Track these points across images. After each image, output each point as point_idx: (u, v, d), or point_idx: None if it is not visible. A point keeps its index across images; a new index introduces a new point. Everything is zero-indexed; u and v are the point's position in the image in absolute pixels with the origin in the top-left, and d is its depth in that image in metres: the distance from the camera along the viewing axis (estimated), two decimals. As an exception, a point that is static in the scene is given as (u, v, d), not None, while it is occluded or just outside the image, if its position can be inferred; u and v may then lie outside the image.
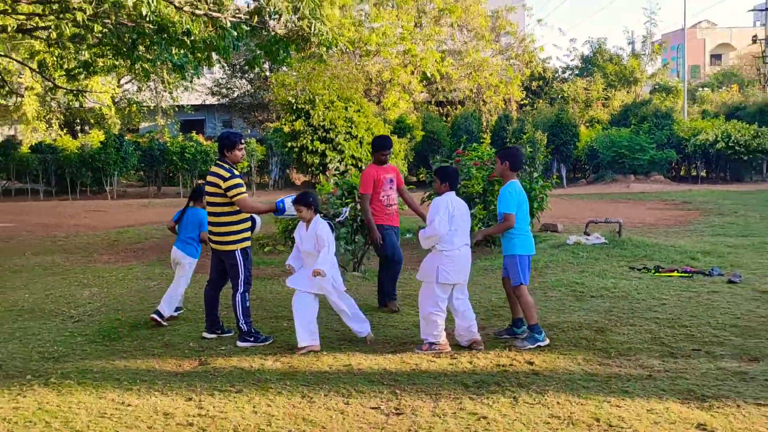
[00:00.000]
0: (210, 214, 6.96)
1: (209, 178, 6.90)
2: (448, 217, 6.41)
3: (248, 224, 6.99)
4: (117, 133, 29.16)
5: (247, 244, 6.95)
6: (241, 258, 6.85)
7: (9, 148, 27.35)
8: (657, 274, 9.67)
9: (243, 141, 7.09)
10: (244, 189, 6.82)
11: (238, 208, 6.80)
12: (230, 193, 6.71)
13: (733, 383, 5.44)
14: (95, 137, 29.34)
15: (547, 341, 6.52)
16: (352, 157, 16.86)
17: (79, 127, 35.45)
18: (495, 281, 9.39)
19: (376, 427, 4.77)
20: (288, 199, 6.90)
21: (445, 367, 5.99)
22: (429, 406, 5.11)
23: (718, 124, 29.74)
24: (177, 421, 4.91)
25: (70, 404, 5.26)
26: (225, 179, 6.73)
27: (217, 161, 6.99)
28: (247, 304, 6.88)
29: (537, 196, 12.28)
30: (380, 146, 8.18)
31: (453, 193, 6.66)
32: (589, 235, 12.40)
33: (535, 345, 6.45)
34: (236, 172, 6.85)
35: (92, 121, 33.21)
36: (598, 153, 29.41)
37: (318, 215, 6.78)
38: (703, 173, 30.88)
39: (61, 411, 5.13)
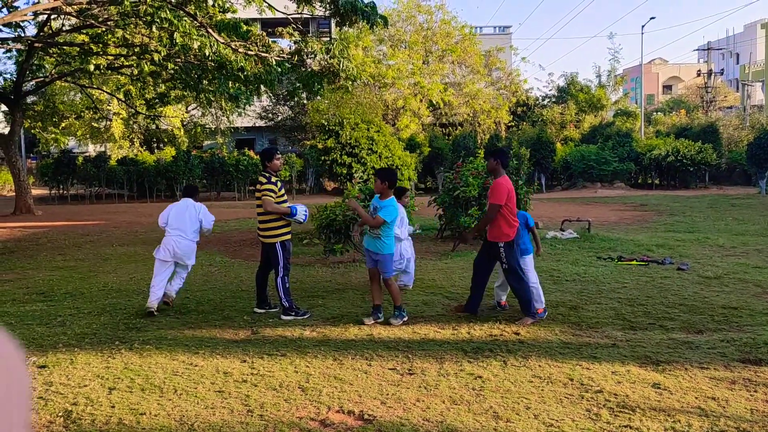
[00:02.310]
0: (258, 213, 7.00)
1: (257, 186, 6.99)
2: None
3: (288, 221, 6.99)
4: (185, 149, 29.32)
5: (286, 237, 6.92)
6: (279, 249, 6.86)
7: (101, 161, 27.58)
8: (619, 262, 9.60)
9: (278, 152, 7.08)
10: (272, 194, 6.76)
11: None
12: (261, 194, 6.78)
13: (681, 351, 5.39)
14: (168, 153, 29.52)
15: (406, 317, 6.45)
16: (373, 168, 16.84)
17: (155, 145, 35.66)
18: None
19: (393, 384, 4.77)
20: (300, 207, 6.91)
21: (448, 337, 5.98)
22: (435, 367, 5.11)
23: (669, 141, 29.42)
24: (234, 378, 4.94)
25: (150, 365, 5.30)
26: (262, 184, 6.83)
27: (261, 172, 7.03)
28: (287, 286, 6.88)
29: (522, 200, 12.21)
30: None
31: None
32: (564, 231, 12.33)
33: (402, 320, 6.39)
34: (274, 179, 6.85)
35: (165, 139, 33.41)
36: (571, 165, 29.21)
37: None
38: (656, 181, 30.56)
39: (143, 370, 5.17)
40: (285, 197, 6.95)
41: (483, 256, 6.66)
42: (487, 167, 6.73)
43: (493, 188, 6.42)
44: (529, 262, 6.66)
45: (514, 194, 6.44)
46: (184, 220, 7.31)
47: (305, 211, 6.94)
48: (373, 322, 6.44)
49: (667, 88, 66.26)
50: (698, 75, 47.54)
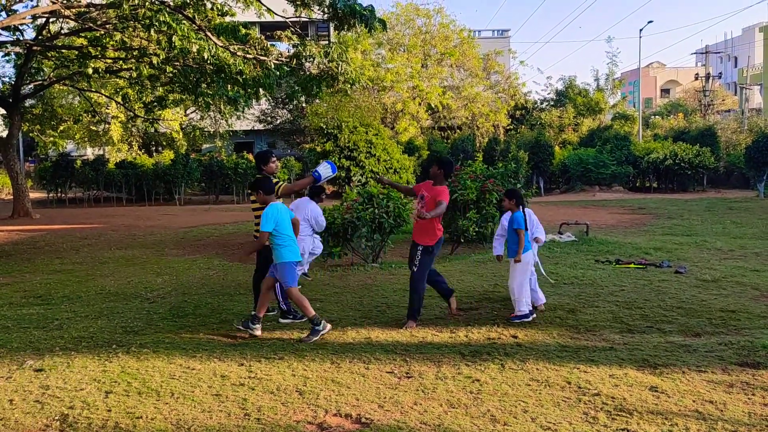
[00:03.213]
0: (256, 217, 6.93)
1: (251, 188, 6.92)
2: None
3: None
4: (184, 152, 29.33)
5: None
6: None
7: (99, 164, 27.57)
8: (617, 265, 9.60)
9: (273, 155, 7.03)
10: (281, 183, 6.72)
11: None
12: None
13: (679, 354, 5.39)
14: (167, 156, 29.53)
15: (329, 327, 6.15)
16: (372, 171, 16.86)
17: (154, 148, 35.67)
18: (486, 271, 9.37)
19: (391, 387, 4.77)
20: (320, 167, 6.59)
21: (446, 340, 5.97)
22: (433, 370, 5.10)
23: (666, 145, 29.48)
24: (231, 382, 4.93)
25: (147, 368, 5.29)
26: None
27: (256, 175, 6.91)
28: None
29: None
30: None
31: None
32: (562, 234, 12.34)
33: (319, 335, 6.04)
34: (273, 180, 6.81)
35: (164, 143, 33.44)
36: (569, 168, 29.25)
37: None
38: (654, 184, 30.62)
39: (140, 373, 5.16)
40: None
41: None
42: (430, 172, 6.66)
43: (442, 191, 6.40)
44: (529, 263, 6.68)
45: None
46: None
47: (327, 165, 6.61)
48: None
49: (665, 91, 66.42)
50: (696, 78, 47.72)
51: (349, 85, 12.80)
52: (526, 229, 6.70)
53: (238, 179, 27.86)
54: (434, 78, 32.66)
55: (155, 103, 18.34)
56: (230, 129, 33.48)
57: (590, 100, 37.65)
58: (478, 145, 32.00)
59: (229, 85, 12.65)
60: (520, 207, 6.75)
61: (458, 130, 34.26)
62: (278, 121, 36.58)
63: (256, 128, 38.10)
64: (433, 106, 32.21)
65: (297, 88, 13.48)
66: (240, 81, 12.21)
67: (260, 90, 13.29)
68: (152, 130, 30.63)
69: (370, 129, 16.96)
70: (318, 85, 12.64)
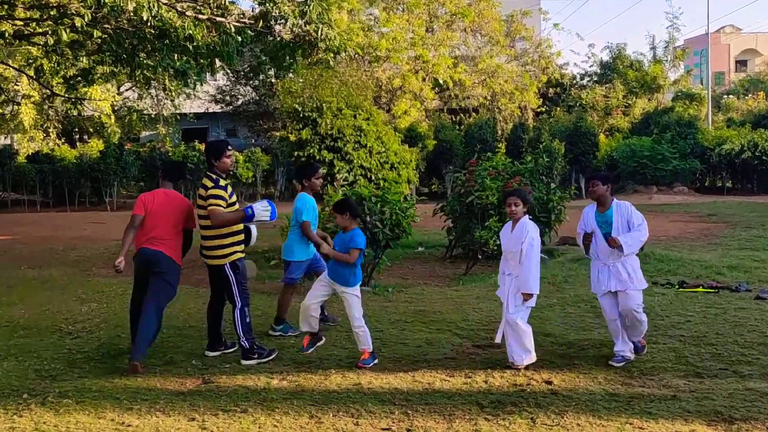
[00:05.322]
0: (201, 227, 6.94)
1: (199, 192, 6.92)
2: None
3: (240, 237, 6.95)
4: (116, 142, 29.29)
5: (238, 256, 6.89)
6: (230, 272, 6.83)
7: (5, 157, 27.47)
8: (681, 289, 9.62)
9: (230, 148, 7.04)
10: (220, 201, 6.71)
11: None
12: (207, 202, 6.70)
13: (762, 404, 5.40)
14: (94, 147, 29.47)
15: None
16: (361, 167, 16.83)
17: (77, 136, 35.62)
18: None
19: (387, 449, 4.76)
20: (257, 205, 6.82)
21: (459, 387, 5.97)
22: (442, 427, 5.09)
23: (744, 132, 29.61)
24: (179, 442, 4.91)
25: (68, 424, 5.26)
26: (207, 189, 6.76)
27: (206, 173, 6.96)
28: (248, 320, 6.84)
29: (554, 208, 12.27)
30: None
31: None
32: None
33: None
34: (223, 183, 6.81)
35: (91, 129, 33.38)
36: (618, 163, 29.34)
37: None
38: (728, 184, 30.74)
39: (59, 431, 5.13)
40: (236, 205, 6.90)
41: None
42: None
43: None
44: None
45: None
46: None
47: (266, 205, 6.85)
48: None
49: (742, 63, 66.80)
50: (781, 47, 47.96)
51: (332, 55, 12.84)
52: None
53: (188, 176, 27.87)
54: (442, 46, 32.76)
55: (79, 78, 18.31)
56: (177, 112, 33.47)
57: (645, 75, 37.83)
58: (500, 132, 32.10)
59: (175, 54, 12.66)
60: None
61: (474, 114, 34.38)
62: (240, 102, 36.63)
63: (210, 110, 38.14)
64: (441, 82, 32.29)
65: (264, 58, 13.52)
66: (190, 49, 12.23)
67: (216, 61, 13.31)
68: (75, 112, 30.50)
69: (360, 112, 16.95)
70: (291, 55, 12.68)
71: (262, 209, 6.79)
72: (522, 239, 6.51)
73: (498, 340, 6.74)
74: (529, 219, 6.69)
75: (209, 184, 6.80)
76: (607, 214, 6.70)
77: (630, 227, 6.58)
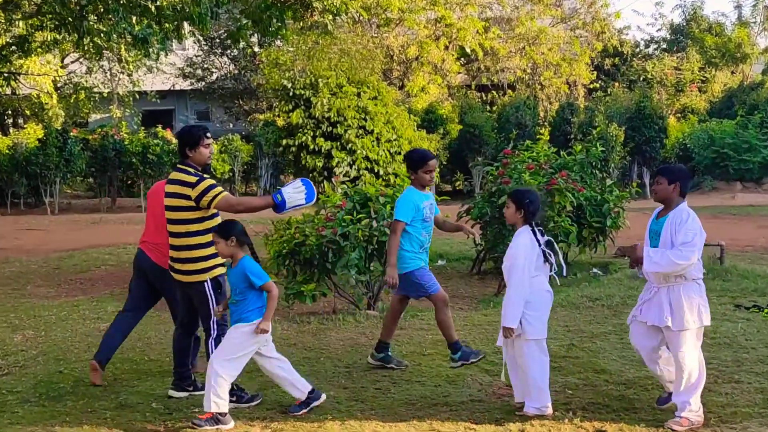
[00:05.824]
0: (171, 234, 6.85)
1: (169, 189, 6.83)
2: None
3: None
4: (60, 128, 29.37)
5: (220, 271, 6.85)
6: (211, 291, 6.81)
7: None
8: (772, 314, 9.59)
9: (209, 135, 6.99)
10: (221, 188, 6.73)
11: (208, 226, 6.72)
12: (206, 198, 6.61)
13: None
14: (31, 134, 29.54)
15: None
16: (366, 158, 16.85)
17: (10, 120, 35.78)
18: (556, 322, 9.35)
19: None
20: (289, 187, 6.74)
21: (488, 437, 5.97)
22: (466, 488, 5.09)
23: None
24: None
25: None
26: (193, 185, 6.65)
27: (178, 165, 6.93)
28: None
29: (610, 211, 12.22)
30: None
31: None
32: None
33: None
34: (206, 175, 6.81)
35: (28, 112, 33.46)
36: (692, 153, 29.25)
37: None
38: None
39: (-16, 492, 5.16)
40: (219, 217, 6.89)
41: None
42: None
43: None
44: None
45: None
46: None
47: (299, 185, 6.74)
48: None
49: None
50: None
51: (330, 17, 12.84)
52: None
53: (149, 171, 27.89)
54: (470, 5, 32.75)
55: (13, 48, 18.42)
56: (136, 89, 33.53)
57: (727, 41, 37.70)
58: (542, 114, 32.01)
59: (134, 17, 12.69)
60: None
61: (510, 91, 34.33)
62: (214, 77, 36.65)
63: (178, 87, 38.20)
64: (468, 50, 32.27)
65: (245, 21, 13.52)
66: (152, 10, 12.25)
67: (185, 25, 13.34)
68: (8, 91, 30.67)
69: (365, 89, 17.01)
70: (279, 17, 12.67)
71: (293, 191, 6.69)
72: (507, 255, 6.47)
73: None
74: (528, 229, 6.45)
75: (191, 179, 6.68)
76: (662, 221, 6.30)
77: (673, 244, 6.12)
